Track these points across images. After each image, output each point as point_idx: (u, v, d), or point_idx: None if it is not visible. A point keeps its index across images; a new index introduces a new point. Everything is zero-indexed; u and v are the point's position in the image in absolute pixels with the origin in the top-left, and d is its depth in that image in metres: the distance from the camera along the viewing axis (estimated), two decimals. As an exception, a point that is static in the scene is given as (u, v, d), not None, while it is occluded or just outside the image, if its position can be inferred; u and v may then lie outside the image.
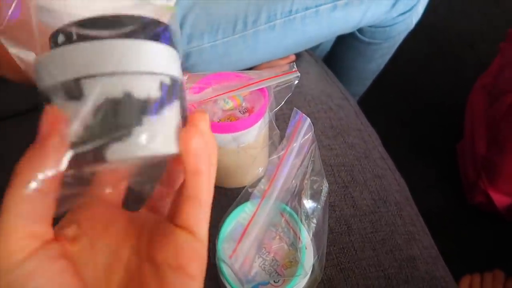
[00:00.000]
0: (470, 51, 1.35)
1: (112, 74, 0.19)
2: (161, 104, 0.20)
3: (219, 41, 0.63)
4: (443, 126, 1.16)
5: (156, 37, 0.21)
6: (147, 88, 0.19)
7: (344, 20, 0.66)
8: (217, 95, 0.43)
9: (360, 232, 0.49)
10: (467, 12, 1.49)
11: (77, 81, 0.19)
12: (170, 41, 0.21)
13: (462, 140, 1.03)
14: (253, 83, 0.43)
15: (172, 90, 0.20)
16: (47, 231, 0.19)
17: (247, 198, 0.39)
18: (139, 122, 0.19)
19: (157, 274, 0.20)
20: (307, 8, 0.62)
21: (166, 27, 0.21)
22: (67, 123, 0.18)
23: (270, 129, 0.47)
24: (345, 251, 0.47)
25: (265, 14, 0.62)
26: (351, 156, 0.57)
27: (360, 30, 0.77)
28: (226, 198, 0.46)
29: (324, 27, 0.65)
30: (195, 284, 0.20)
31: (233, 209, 0.39)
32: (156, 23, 0.21)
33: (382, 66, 0.89)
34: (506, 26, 0.97)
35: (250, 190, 0.38)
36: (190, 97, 0.44)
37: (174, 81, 0.21)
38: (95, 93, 0.19)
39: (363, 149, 0.59)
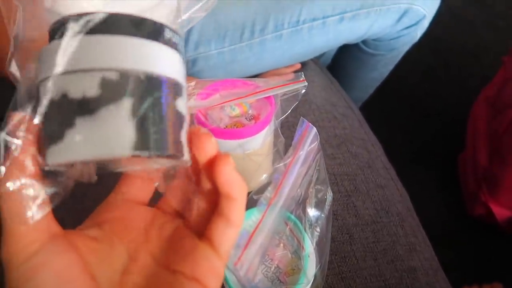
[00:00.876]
0: (474, 61, 1.36)
1: (60, 74, 0.18)
2: (100, 102, 0.18)
3: (226, 48, 0.64)
4: (445, 136, 1.16)
5: (99, 30, 0.19)
6: (83, 87, 0.18)
7: (350, 32, 0.66)
8: (225, 102, 0.43)
9: (362, 241, 0.49)
10: (471, 23, 1.50)
11: (39, 83, 0.19)
12: (121, 30, 0.19)
13: (464, 151, 1.04)
14: (260, 91, 0.43)
15: (120, 86, 0.18)
16: (50, 225, 0.20)
17: (252, 204, 0.39)
18: (71, 124, 0.18)
19: (173, 282, 0.21)
20: (314, 19, 0.63)
21: (113, 16, 0.19)
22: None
23: (275, 136, 0.48)
24: (347, 260, 0.47)
25: (272, 23, 0.63)
26: (354, 165, 0.57)
27: (364, 42, 0.77)
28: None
29: (330, 38, 0.66)
30: None
31: (237, 216, 0.39)
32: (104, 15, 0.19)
33: (385, 75, 0.90)
34: (510, 37, 0.97)
35: (255, 197, 0.39)
36: (198, 103, 0.44)
37: (124, 75, 0.18)
38: (43, 98, 0.19)
39: (366, 159, 0.59)
